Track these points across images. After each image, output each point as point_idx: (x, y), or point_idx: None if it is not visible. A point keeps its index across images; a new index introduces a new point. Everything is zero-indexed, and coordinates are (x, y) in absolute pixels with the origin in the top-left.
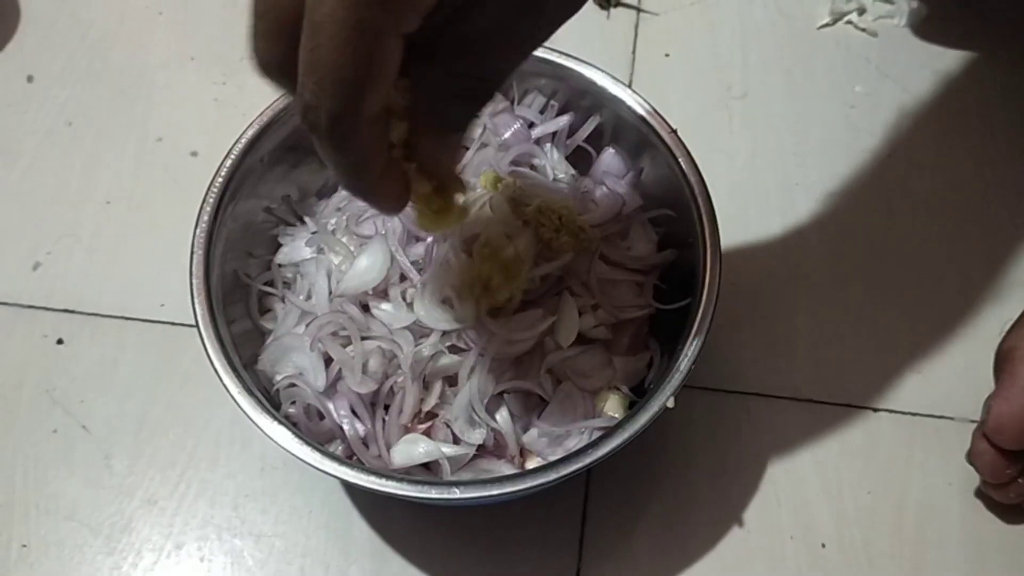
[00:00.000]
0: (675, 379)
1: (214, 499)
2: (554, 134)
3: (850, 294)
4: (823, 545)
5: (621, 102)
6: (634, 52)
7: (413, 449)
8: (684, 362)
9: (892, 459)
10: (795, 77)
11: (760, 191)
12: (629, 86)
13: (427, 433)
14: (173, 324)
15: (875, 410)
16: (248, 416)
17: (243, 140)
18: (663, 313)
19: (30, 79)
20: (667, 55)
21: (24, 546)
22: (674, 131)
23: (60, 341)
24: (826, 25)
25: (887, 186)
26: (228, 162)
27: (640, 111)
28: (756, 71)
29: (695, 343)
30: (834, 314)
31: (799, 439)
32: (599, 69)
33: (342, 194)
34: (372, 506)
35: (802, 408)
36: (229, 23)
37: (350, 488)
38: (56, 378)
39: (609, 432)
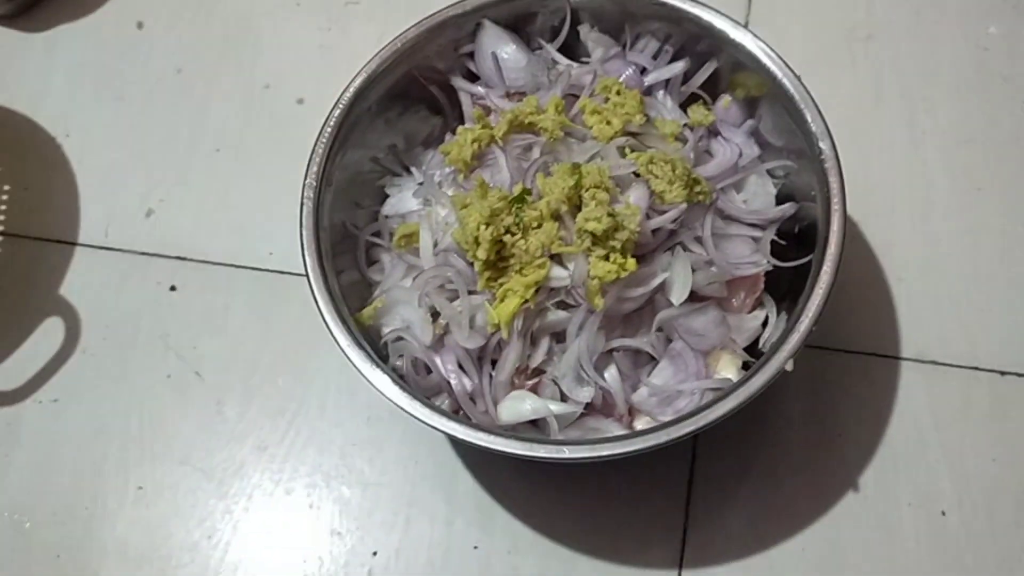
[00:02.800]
0: (794, 340)
1: (322, 447)
2: (667, 81)
3: (980, 251)
4: (943, 513)
5: (740, 46)
6: None
7: (521, 406)
8: (804, 323)
9: (1020, 425)
10: (924, 16)
11: (885, 139)
12: (748, 29)
13: (534, 390)
14: (281, 272)
15: (1003, 373)
16: (359, 370)
17: (352, 88)
18: (779, 269)
19: (140, 25)
20: None
21: (140, 488)
22: (798, 77)
23: (173, 288)
24: None
25: (1023, 135)
26: (337, 111)
27: (760, 55)
28: (882, 10)
29: (816, 303)
30: (962, 272)
31: (921, 402)
32: (716, 11)
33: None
34: (477, 459)
35: (925, 370)
36: None
37: (455, 441)
38: (169, 324)
39: (723, 394)
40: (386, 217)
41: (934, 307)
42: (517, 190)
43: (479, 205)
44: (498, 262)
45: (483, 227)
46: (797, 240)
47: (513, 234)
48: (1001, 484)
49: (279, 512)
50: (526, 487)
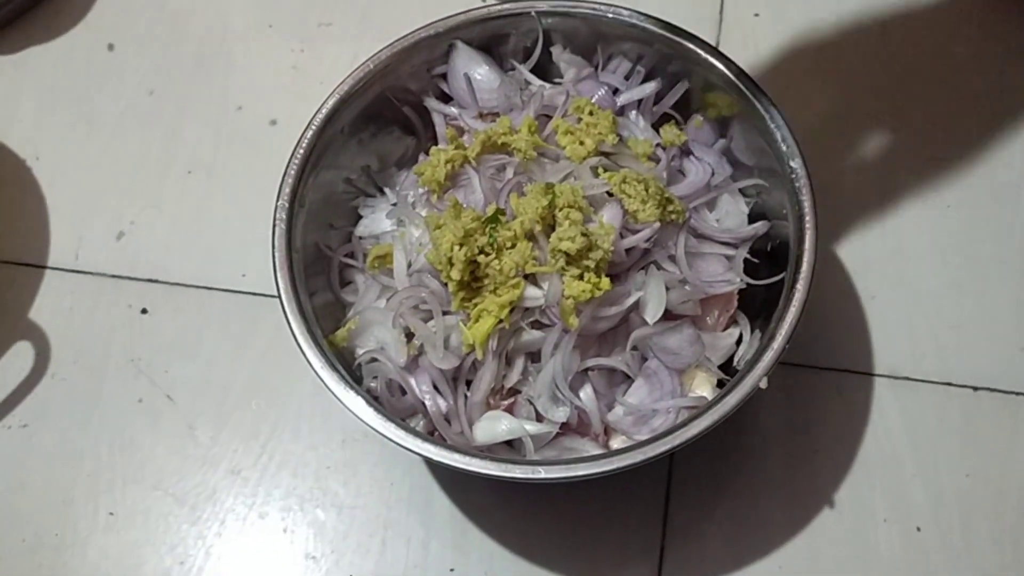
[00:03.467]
0: (768, 358)
1: (296, 470)
2: (640, 101)
3: (950, 267)
4: (918, 529)
5: (711, 66)
6: (721, 12)
7: (496, 426)
8: (778, 340)
9: (993, 440)
10: (892, 37)
11: (855, 158)
12: (718, 49)
13: (509, 410)
14: (255, 294)
15: (975, 389)
16: (332, 392)
17: (324, 110)
18: (752, 287)
19: (111, 47)
20: (756, 14)
21: (111, 514)
22: (770, 99)
23: (144, 311)
24: None
25: (990, 155)
26: (309, 132)
27: (731, 76)
28: (850, 30)
29: (789, 321)
30: (934, 288)
31: (895, 419)
32: (687, 32)
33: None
34: (453, 480)
35: (898, 386)
36: None
37: (430, 462)
38: (141, 348)
39: (698, 412)
40: (359, 238)
41: (907, 324)
42: (491, 210)
43: (452, 225)
44: (472, 282)
45: (456, 248)
46: (770, 258)
47: (487, 254)
48: (975, 499)
49: (253, 537)
50: (502, 508)
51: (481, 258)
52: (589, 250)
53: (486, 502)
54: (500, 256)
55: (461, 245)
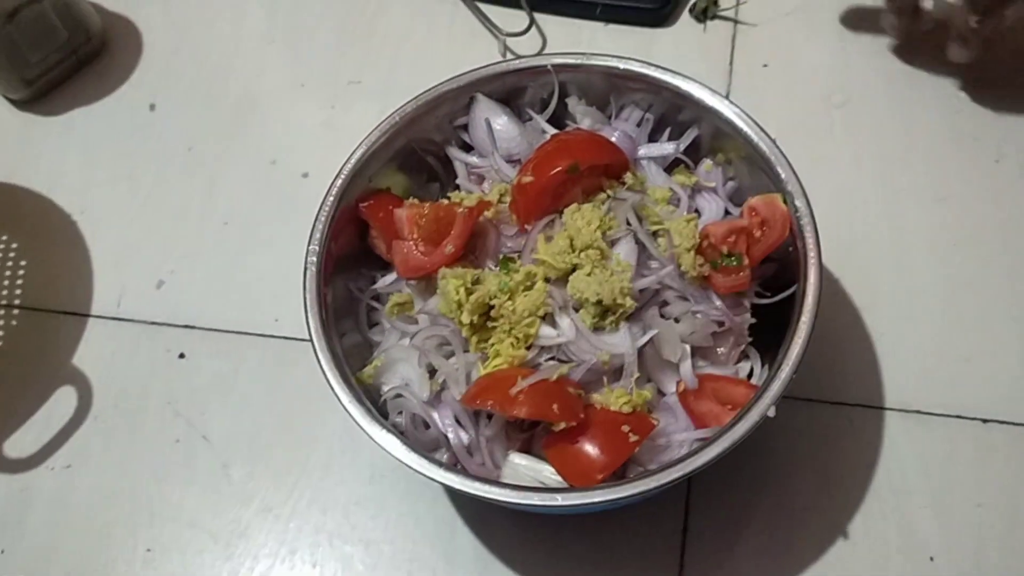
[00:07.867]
0: (775, 388)
1: (326, 506)
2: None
3: (958, 303)
4: (931, 559)
5: (718, 113)
6: (731, 63)
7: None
8: (785, 370)
9: (1003, 472)
10: (897, 83)
11: (864, 198)
12: (726, 97)
13: (528, 442)
14: (287, 338)
15: (985, 421)
16: (360, 426)
17: (353, 160)
18: (764, 322)
19: (152, 107)
20: (765, 65)
21: (149, 550)
22: (773, 141)
23: (182, 355)
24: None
25: (996, 192)
26: (339, 181)
27: (737, 121)
28: (857, 77)
29: (796, 350)
30: (942, 322)
31: (906, 451)
32: (695, 81)
33: None
34: (475, 513)
35: (909, 419)
36: (337, 50)
37: (454, 496)
38: (178, 391)
39: (709, 441)
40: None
41: (916, 359)
42: (501, 259)
43: (454, 274)
44: (487, 323)
45: (463, 292)
46: (779, 293)
47: (499, 298)
48: (987, 529)
49: (284, 573)
50: (524, 541)
51: (495, 300)
52: (604, 287)
53: (508, 536)
54: (514, 299)
55: (468, 293)
